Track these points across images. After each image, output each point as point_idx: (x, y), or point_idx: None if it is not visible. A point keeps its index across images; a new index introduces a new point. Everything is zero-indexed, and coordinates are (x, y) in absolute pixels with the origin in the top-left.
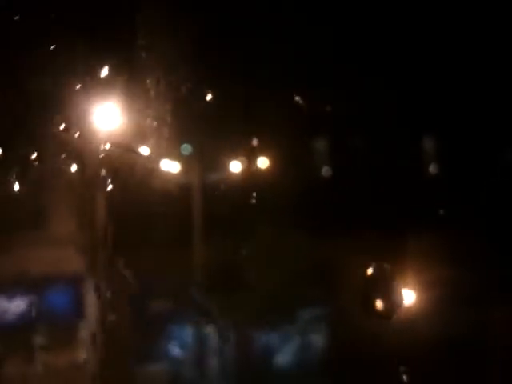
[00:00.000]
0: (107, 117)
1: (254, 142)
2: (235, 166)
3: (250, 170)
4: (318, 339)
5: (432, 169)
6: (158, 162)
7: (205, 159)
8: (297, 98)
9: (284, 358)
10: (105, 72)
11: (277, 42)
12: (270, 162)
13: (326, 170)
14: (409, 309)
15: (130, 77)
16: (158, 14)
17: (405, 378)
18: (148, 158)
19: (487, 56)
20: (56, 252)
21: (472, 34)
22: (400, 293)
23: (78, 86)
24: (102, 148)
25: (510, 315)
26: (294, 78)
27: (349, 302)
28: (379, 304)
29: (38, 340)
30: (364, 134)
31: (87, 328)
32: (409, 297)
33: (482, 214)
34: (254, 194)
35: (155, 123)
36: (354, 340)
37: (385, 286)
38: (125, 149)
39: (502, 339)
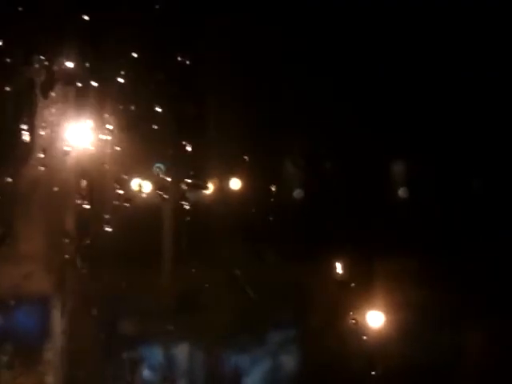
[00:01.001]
0: (80, 135)
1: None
2: (207, 187)
3: (222, 192)
4: (289, 361)
5: (401, 193)
6: (130, 181)
7: (178, 179)
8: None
9: (254, 379)
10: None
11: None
12: (241, 183)
13: (297, 193)
14: (379, 331)
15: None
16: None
17: None
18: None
19: (458, 84)
20: (22, 269)
21: (441, 64)
22: None
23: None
24: (74, 165)
25: (482, 339)
26: (264, 102)
27: (319, 324)
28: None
29: (3, 360)
30: (335, 157)
31: (53, 348)
32: (379, 319)
33: (451, 238)
34: (226, 215)
35: (127, 142)
36: (326, 362)
37: None
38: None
39: (474, 362)
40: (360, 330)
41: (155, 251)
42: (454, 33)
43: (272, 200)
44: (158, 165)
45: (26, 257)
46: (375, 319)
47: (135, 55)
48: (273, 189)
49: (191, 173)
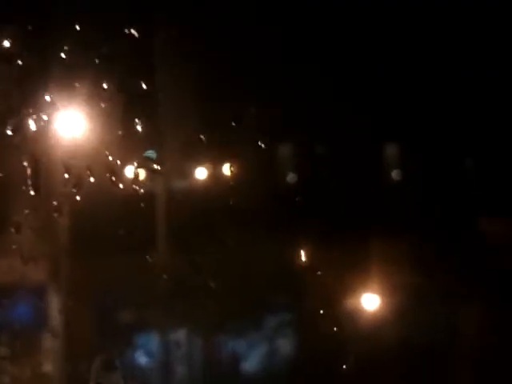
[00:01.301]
0: (70, 124)
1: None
2: (200, 173)
3: (215, 177)
4: (285, 345)
5: (395, 175)
6: (122, 169)
7: (170, 165)
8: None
9: (251, 364)
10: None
11: (238, 48)
12: (234, 168)
13: (291, 177)
14: (374, 314)
15: (93, 83)
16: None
17: None
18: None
19: (451, 64)
20: (17, 261)
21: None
22: None
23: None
24: (65, 156)
25: (477, 319)
26: (258, 85)
27: (316, 308)
28: None
29: (1, 351)
30: (328, 140)
31: (50, 338)
32: (373, 302)
33: (445, 220)
34: (219, 201)
35: (119, 130)
36: (321, 346)
37: None
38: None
39: (469, 343)
40: (355, 312)
41: (150, 239)
42: (445, 22)
43: (266, 184)
44: (149, 151)
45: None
46: (371, 302)
47: (78, 28)
48: (267, 173)
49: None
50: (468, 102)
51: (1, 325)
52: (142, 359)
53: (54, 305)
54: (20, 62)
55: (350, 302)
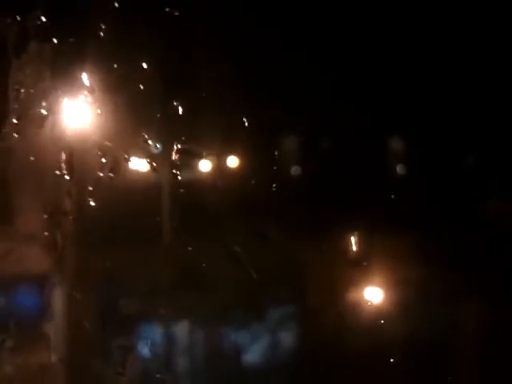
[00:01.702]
0: (76, 114)
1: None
2: (205, 165)
3: (220, 169)
4: (288, 338)
5: (399, 169)
6: (127, 160)
7: (174, 158)
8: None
9: (253, 356)
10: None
11: (245, 44)
12: (239, 161)
13: (295, 170)
14: (377, 308)
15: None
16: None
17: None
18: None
19: (454, 58)
20: (22, 249)
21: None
22: None
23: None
24: (71, 146)
25: (480, 315)
26: (262, 78)
27: (319, 301)
28: None
29: (6, 341)
30: (332, 133)
31: (55, 328)
32: (376, 295)
33: (449, 215)
34: (223, 193)
35: (125, 121)
36: (324, 339)
37: None
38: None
39: (473, 339)
40: (359, 307)
41: (154, 227)
42: (448, 18)
43: (273, 173)
44: (155, 143)
45: (26, 237)
46: (374, 296)
47: (116, 5)
48: (274, 161)
49: (183, 138)
50: (472, 96)
51: (4, 314)
52: (145, 350)
53: (58, 295)
54: (55, 40)
55: (352, 296)
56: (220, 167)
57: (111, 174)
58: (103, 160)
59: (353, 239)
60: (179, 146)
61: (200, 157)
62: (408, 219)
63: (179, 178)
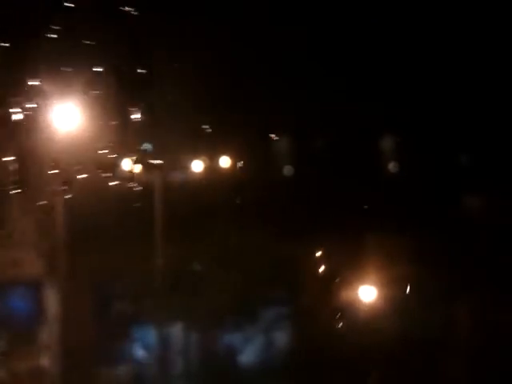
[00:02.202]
0: (66, 117)
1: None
2: (197, 165)
3: (212, 170)
4: (282, 339)
5: (392, 168)
6: (119, 161)
7: (166, 158)
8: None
9: (247, 357)
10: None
11: (241, 43)
12: (231, 161)
13: (287, 170)
14: (371, 306)
15: (90, 78)
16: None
17: (370, 377)
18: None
19: (447, 60)
20: (15, 255)
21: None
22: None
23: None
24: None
25: (472, 313)
26: (255, 79)
27: (312, 301)
28: None
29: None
30: (325, 133)
31: (48, 332)
32: (370, 294)
33: (442, 214)
34: (216, 193)
35: (115, 122)
36: (317, 339)
37: None
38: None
39: (464, 336)
40: (352, 305)
41: (147, 232)
42: (447, 16)
43: (262, 178)
44: (145, 145)
45: (19, 242)
46: (368, 294)
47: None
48: (264, 167)
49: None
50: (465, 97)
51: None
52: (139, 352)
53: (52, 298)
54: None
55: (347, 294)
56: (212, 168)
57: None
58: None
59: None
60: (134, 154)
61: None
62: (401, 218)
63: (138, 184)
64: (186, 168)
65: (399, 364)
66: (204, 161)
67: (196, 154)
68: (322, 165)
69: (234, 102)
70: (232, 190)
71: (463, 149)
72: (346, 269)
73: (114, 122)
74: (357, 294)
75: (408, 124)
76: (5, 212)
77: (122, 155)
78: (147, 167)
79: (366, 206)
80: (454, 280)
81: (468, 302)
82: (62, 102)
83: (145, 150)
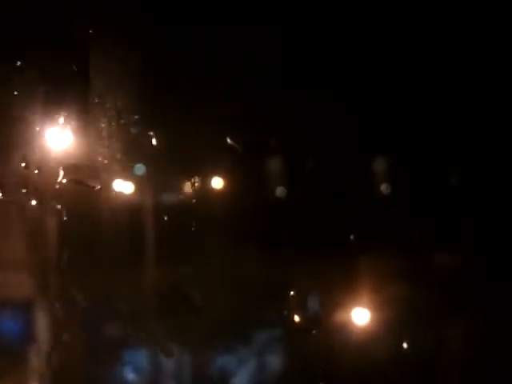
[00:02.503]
0: (60, 139)
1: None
2: (188, 186)
3: (204, 191)
4: (275, 361)
5: (384, 189)
6: (110, 183)
7: (158, 180)
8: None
9: (241, 380)
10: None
11: (224, 61)
12: (224, 182)
13: (280, 191)
14: (364, 328)
15: (81, 96)
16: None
17: None
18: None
19: (437, 78)
20: (5, 276)
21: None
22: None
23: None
24: (56, 178)
25: (466, 332)
26: (245, 99)
27: (305, 323)
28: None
29: None
30: (317, 154)
31: (38, 354)
32: (363, 316)
33: (434, 234)
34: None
35: (107, 144)
36: (312, 361)
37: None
38: (78, 181)
39: (459, 355)
40: (346, 327)
41: (138, 252)
42: (446, 33)
43: (255, 199)
44: (138, 165)
45: (9, 263)
46: (360, 316)
47: None
48: (257, 187)
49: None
50: (457, 115)
51: None
52: (130, 375)
53: (41, 320)
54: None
55: (339, 317)
56: (204, 189)
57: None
58: (88, 184)
59: (340, 260)
60: (126, 175)
61: (182, 180)
62: (394, 239)
63: (129, 204)
64: (178, 189)
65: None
66: (195, 182)
67: (187, 175)
68: (314, 186)
69: (226, 123)
70: (224, 211)
71: (456, 170)
72: (339, 291)
73: (107, 142)
74: (350, 316)
75: (402, 145)
76: None
77: (114, 175)
78: (139, 187)
79: (352, 236)
80: (447, 300)
81: (461, 322)
82: (54, 117)
83: (137, 171)
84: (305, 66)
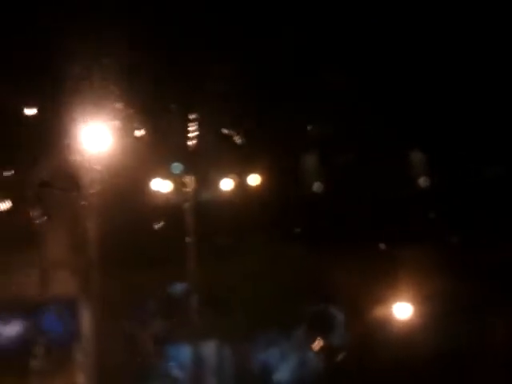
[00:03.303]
0: (98, 139)
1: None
2: (226, 184)
3: (242, 188)
4: (316, 356)
5: (422, 182)
6: (148, 182)
7: (196, 177)
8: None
9: (282, 374)
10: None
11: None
12: (261, 178)
13: (316, 186)
14: (406, 322)
15: (119, 98)
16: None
17: None
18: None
19: (471, 71)
20: (51, 274)
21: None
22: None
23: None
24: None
25: (506, 327)
26: (282, 95)
27: (346, 317)
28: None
29: (34, 363)
30: (353, 149)
31: (82, 350)
32: (406, 310)
33: (476, 226)
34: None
35: (146, 142)
36: (352, 354)
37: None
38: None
39: (498, 350)
40: (387, 320)
41: (179, 250)
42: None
43: (292, 195)
44: (175, 164)
45: (54, 262)
46: (403, 310)
47: None
48: (293, 183)
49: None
50: (495, 110)
51: (33, 339)
52: (173, 370)
53: (86, 317)
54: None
55: (381, 311)
56: (241, 186)
57: (132, 196)
58: (125, 182)
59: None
60: (165, 174)
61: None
62: (435, 234)
63: (170, 203)
64: (216, 186)
65: (434, 378)
66: (233, 179)
67: (225, 173)
68: (351, 180)
69: (263, 120)
70: (262, 207)
71: (492, 160)
72: (381, 285)
73: (146, 142)
74: (392, 310)
75: (438, 139)
76: (41, 233)
77: (153, 174)
78: (178, 186)
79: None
80: (488, 295)
81: (503, 316)
82: (93, 119)
83: (175, 170)
84: (340, 65)
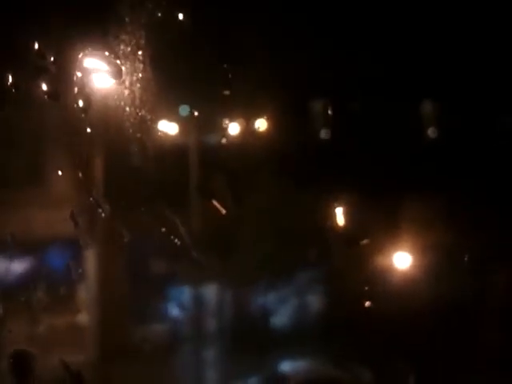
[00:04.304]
0: (106, 77)
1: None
2: (233, 128)
3: (249, 132)
4: (316, 302)
5: (431, 132)
6: (155, 123)
7: (203, 121)
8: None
9: (281, 318)
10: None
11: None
12: (268, 123)
13: (324, 133)
14: (406, 273)
15: (128, 37)
16: None
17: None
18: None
19: (487, 20)
20: (55, 212)
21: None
22: None
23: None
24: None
25: (507, 280)
26: (293, 39)
27: (347, 265)
28: None
29: (39, 301)
30: (363, 96)
31: (86, 289)
32: (405, 260)
33: (481, 179)
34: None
35: (152, 84)
36: (352, 302)
37: None
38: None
39: (499, 303)
40: (386, 271)
41: (182, 193)
42: None
43: (299, 141)
44: (183, 106)
45: (58, 200)
46: (402, 260)
47: None
48: (300, 130)
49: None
50: (507, 58)
51: (37, 276)
52: (173, 311)
53: (89, 257)
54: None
55: (381, 260)
56: (248, 130)
57: (139, 135)
58: (131, 121)
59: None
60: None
61: (227, 121)
62: (438, 185)
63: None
64: (222, 130)
65: (432, 329)
66: (240, 123)
67: (232, 117)
68: (360, 128)
69: (272, 64)
70: (268, 152)
71: (506, 111)
72: (382, 235)
73: (152, 83)
74: (392, 260)
75: (449, 88)
76: (44, 169)
77: (159, 116)
78: (183, 128)
79: (395, 180)
80: (490, 247)
81: (504, 269)
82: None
83: (182, 112)
84: (354, 14)
